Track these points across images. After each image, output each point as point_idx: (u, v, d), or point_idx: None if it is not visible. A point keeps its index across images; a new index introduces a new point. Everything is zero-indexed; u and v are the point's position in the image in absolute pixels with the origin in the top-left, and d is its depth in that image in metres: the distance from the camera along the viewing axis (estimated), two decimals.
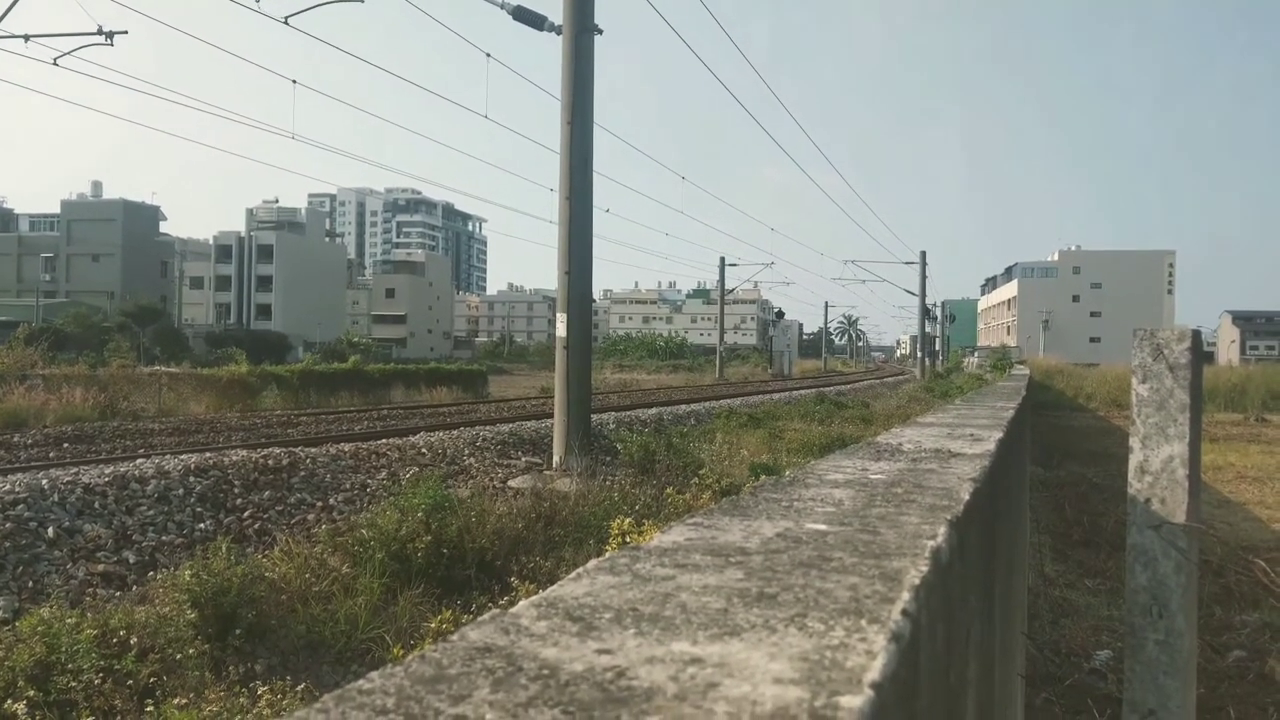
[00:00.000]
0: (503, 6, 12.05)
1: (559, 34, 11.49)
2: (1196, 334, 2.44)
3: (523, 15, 11.96)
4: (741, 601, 0.89)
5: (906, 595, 0.89)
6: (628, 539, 5.76)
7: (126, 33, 18.89)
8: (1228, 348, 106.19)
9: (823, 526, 1.26)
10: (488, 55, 15.74)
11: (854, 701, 0.62)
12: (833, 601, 0.88)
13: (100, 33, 18.76)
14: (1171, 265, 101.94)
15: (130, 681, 4.49)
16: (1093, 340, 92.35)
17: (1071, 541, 8.97)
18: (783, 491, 1.57)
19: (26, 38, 18.62)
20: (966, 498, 1.51)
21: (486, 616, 0.85)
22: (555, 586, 0.94)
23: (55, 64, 18.94)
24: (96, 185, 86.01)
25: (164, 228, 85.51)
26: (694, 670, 0.69)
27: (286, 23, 14.94)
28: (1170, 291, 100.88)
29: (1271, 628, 5.70)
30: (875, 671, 0.68)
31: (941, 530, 1.21)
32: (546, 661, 0.71)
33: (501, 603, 5.72)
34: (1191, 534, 2.19)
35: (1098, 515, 9.76)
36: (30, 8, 19.57)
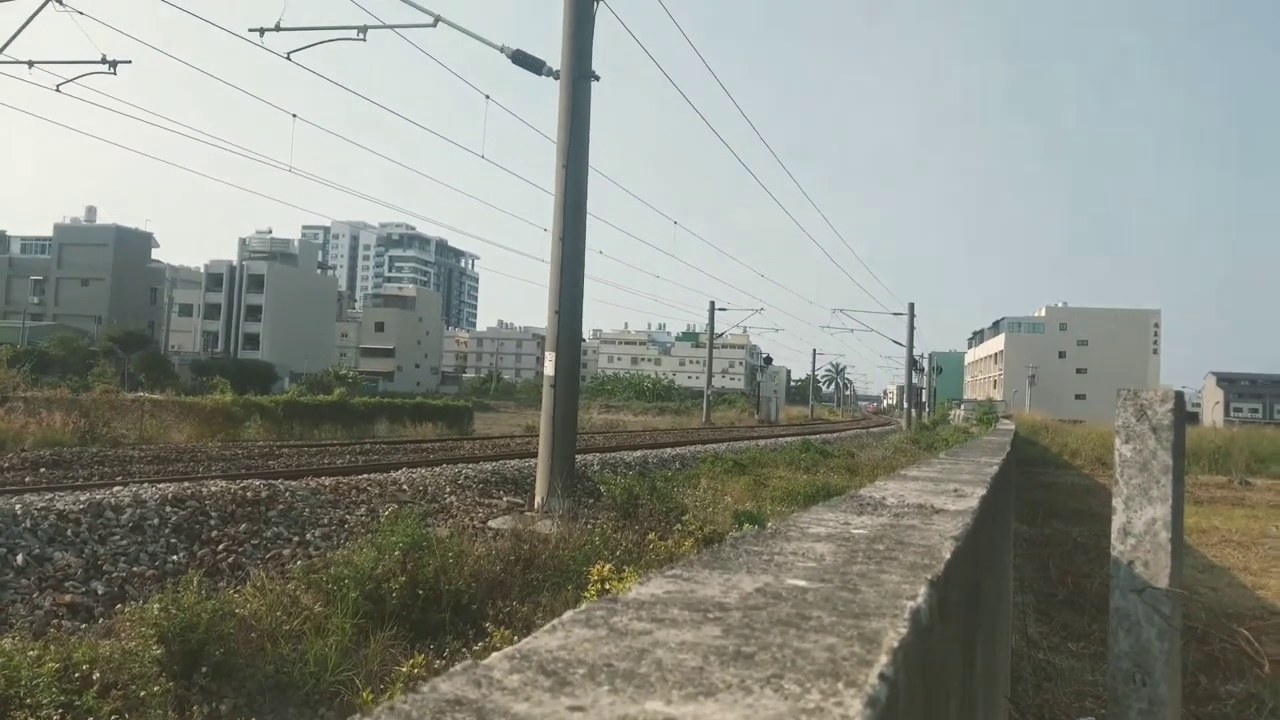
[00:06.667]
0: (502, 50, 12.23)
1: (557, 79, 11.66)
2: (1179, 395, 2.45)
3: (522, 59, 12.15)
4: (718, 660, 0.87)
5: (884, 659, 0.87)
6: (607, 585, 5.70)
7: (130, 62, 19.06)
8: (1212, 409, 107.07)
9: (803, 583, 1.24)
10: (487, 97, 15.96)
11: None
12: (810, 662, 0.87)
13: (104, 61, 18.92)
14: (1157, 325, 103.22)
15: (90, 719, 4.36)
16: (1078, 397, 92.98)
17: (1056, 602, 8.92)
18: (764, 544, 1.55)
19: (30, 64, 18.75)
20: (948, 556, 1.50)
21: (458, 668, 0.83)
22: (529, 638, 0.92)
23: (58, 90, 19.06)
24: (90, 210, 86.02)
25: (157, 255, 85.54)
26: None
27: (289, 58, 15.11)
28: (1155, 351, 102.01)
29: (1257, 699, 5.64)
30: None
31: (922, 590, 1.19)
32: (517, 717, 0.70)
33: (476, 648, 5.62)
34: (1175, 599, 2.18)
35: (1082, 576, 9.72)
36: (35, 35, 19.77)
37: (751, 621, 1.02)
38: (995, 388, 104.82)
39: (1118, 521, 2.24)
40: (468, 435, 30.88)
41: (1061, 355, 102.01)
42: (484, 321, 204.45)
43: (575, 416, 11.95)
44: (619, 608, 1.06)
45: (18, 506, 8.44)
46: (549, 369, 11.42)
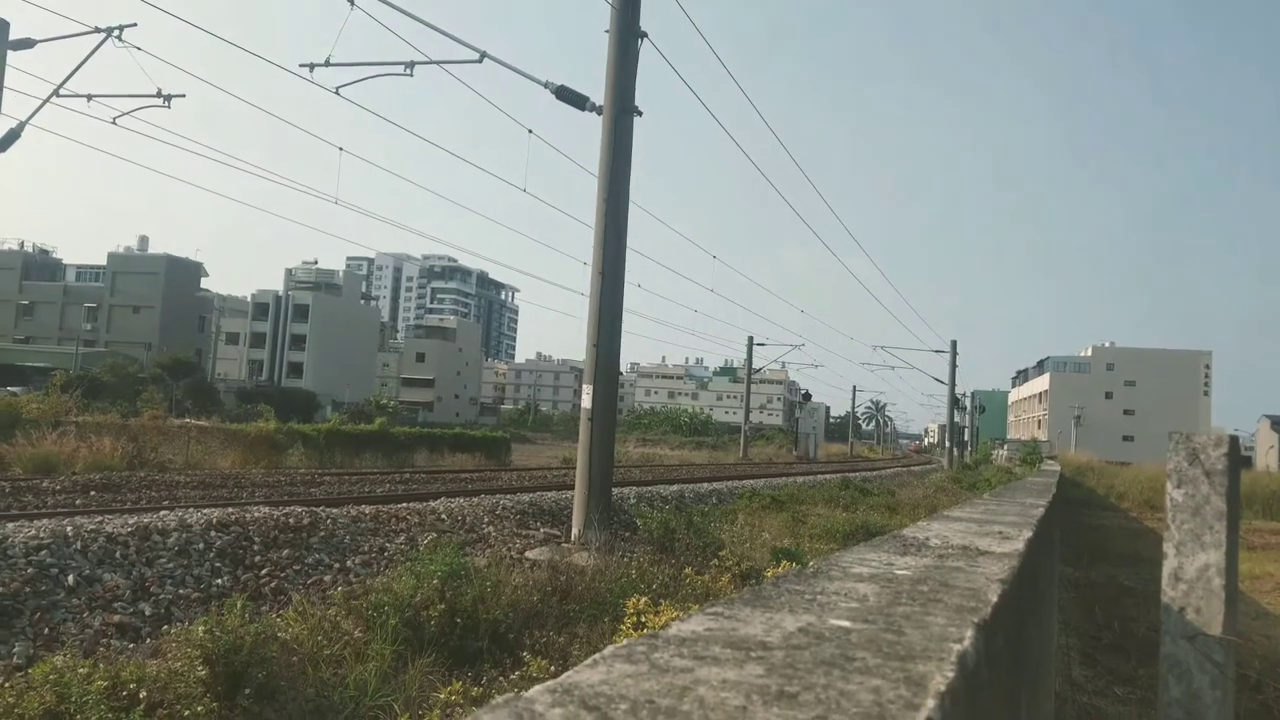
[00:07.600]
0: (546, 86, 12.45)
1: (599, 114, 11.82)
2: (1234, 440, 2.40)
3: (565, 95, 12.35)
4: (761, 699, 0.87)
5: (932, 703, 0.87)
6: (643, 619, 5.67)
7: (184, 96, 19.71)
8: (1266, 453, 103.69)
9: (846, 623, 1.23)
10: (529, 131, 16.20)
11: None
12: (855, 705, 0.86)
13: (159, 95, 19.59)
14: (1208, 367, 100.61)
15: None
16: (1125, 438, 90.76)
17: (1101, 646, 8.67)
18: (805, 583, 1.55)
19: (89, 97, 19.49)
20: (994, 600, 1.48)
21: (500, 700, 0.84)
22: (571, 672, 0.93)
23: (114, 123, 19.77)
24: (143, 239, 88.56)
25: (205, 284, 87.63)
26: None
27: (338, 93, 15.52)
28: (1206, 393, 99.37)
29: None
30: None
31: (969, 634, 1.18)
32: None
33: (513, 677, 5.61)
34: (1228, 647, 2.12)
35: (1129, 620, 9.45)
36: (92, 70, 20.58)
37: (795, 661, 1.02)
38: (1040, 428, 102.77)
39: (1168, 567, 2.19)
40: (505, 466, 31.01)
41: (1108, 396, 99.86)
42: (522, 353, 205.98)
43: (612, 449, 11.95)
44: (660, 644, 1.07)
45: (69, 528, 8.64)
46: (586, 401, 11.46)
